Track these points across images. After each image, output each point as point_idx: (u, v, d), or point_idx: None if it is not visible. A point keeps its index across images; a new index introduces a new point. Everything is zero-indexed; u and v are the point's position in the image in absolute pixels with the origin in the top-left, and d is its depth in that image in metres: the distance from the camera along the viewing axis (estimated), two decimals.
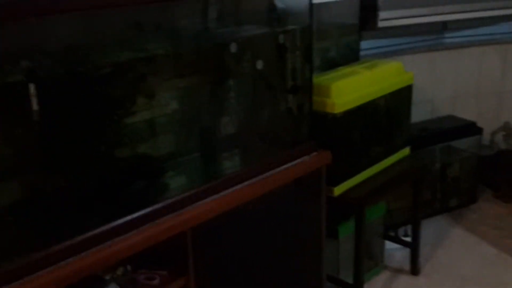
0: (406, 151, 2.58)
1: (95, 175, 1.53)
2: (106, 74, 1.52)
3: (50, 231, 1.43)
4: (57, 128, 1.42)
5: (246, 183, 1.81)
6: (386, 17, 2.81)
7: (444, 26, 3.22)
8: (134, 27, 1.63)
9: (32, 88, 1.28)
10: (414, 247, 2.66)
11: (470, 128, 3.21)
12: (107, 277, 1.62)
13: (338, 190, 2.19)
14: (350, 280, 2.35)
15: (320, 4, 2.30)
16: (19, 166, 1.39)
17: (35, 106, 1.29)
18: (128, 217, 1.53)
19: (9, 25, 1.26)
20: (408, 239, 2.73)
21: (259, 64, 1.87)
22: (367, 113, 2.27)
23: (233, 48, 1.78)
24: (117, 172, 1.60)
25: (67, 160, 1.47)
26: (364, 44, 2.71)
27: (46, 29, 1.37)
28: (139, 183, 1.66)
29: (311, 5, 1.93)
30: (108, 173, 1.58)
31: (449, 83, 3.29)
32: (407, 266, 2.71)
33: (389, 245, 2.80)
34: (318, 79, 2.16)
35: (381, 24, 2.77)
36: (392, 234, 2.86)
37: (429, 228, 3.04)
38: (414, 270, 2.68)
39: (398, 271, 2.72)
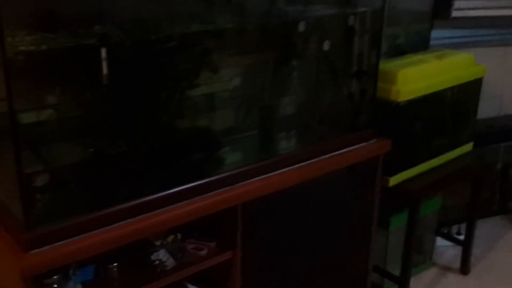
0: (468, 147, 2.49)
1: (155, 143, 1.56)
2: (173, 45, 1.54)
3: (108, 193, 1.48)
4: (123, 93, 1.45)
5: (300, 164, 1.80)
6: (461, 7, 2.70)
7: None
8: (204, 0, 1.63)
9: (103, 52, 1.31)
10: (466, 246, 2.59)
11: None
12: (158, 243, 1.66)
13: (393, 181, 2.15)
14: (397, 273, 2.32)
15: None
16: (84, 128, 1.44)
17: (105, 70, 1.33)
18: (183, 187, 1.55)
19: None
20: (461, 237, 2.65)
21: (326, 45, 1.84)
22: (432, 103, 2.20)
23: (301, 27, 1.76)
24: (176, 143, 1.63)
25: (129, 126, 1.50)
26: (435, 33, 2.62)
27: None
28: (196, 155, 1.68)
29: None
30: (168, 142, 1.60)
31: None
32: (457, 264, 2.64)
33: (440, 241, 2.74)
34: (385, 65, 2.10)
35: (454, 13, 2.67)
36: (445, 231, 2.79)
37: (484, 229, 2.94)
38: (464, 269, 2.61)
39: (447, 269, 2.66)
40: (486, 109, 2.95)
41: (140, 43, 1.48)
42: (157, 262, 1.58)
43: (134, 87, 1.48)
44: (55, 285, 1.43)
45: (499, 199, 3.10)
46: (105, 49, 1.31)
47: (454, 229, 2.86)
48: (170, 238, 1.68)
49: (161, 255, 1.60)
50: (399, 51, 2.39)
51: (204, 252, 1.67)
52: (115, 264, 1.55)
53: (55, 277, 1.43)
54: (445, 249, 2.78)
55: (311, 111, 1.97)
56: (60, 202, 1.45)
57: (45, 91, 1.38)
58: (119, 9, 1.44)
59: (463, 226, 2.67)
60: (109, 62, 1.35)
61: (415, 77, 2.11)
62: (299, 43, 1.82)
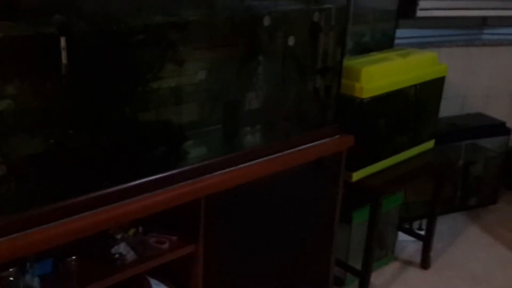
0: (430, 144, 2.54)
1: (117, 136, 1.54)
2: (137, 36, 1.52)
3: (69, 185, 1.45)
4: (84, 84, 1.43)
5: (265, 158, 1.81)
6: (426, 7, 2.74)
7: (484, 22, 3.14)
8: None
9: (63, 41, 1.29)
10: (427, 241, 2.64)
11: (499, 128, 3.15)
12: (118, 237, 1.64)
13: (356, 176, 2.17)
14: (358, 267, 2.35)
15: None
16: (44, 118, 1.41)
17: (64, 60, 1.30)
18: (145, 179, 1.54)
19: None
20: (422, 232, 2.70)
21: (291, 41, 1.85)
22: (395, 101, 2.23)
23: (266, 21, 1.76)
24: (139, 135, 1.61)
25: (91, 118, 1.48)
26: (400, 33, 2.66)
27: None
28: (160, 148, 1.67)
29: None
30: (131, 135, 1.59)
31: (483, 80, 3.22)
32: (417, 259, 2.70)
33: (402, 236, 2.79)
34: (349, 62, 2.13)
35: (419, 13, 2.71)
36: (407, 226, 2.84)
37: (445, 224, 3.01)
38: (425, 264, 2.67)
39: (408, 263, 2.71)
40: (448, 108, 3.02)
41: (103, 33, 1.46)
42: (117, 255, 1.57)
43: (95, 78, 1.46)
44: (12, 278, 1.40)
45: (461, 196, 3.17)
46: (65, 38, 1.29)
47: (416, 224, 2.92)
48: (131, 231, 1.67)
49: (122, 248, 1.59)
50: (364, 49, 2.41)
51: (166, 246, 1.66)
52: (73, 257, 1.53)
53: (11, 269, 1.40)
54: (407, 244, 2.83)
55: (276, 106, 1.98)
56: (17, 194, 1.43)
57: (2, 81, 1.35)
58: None
59: (424, 222, 2.72)
60: (70, 52, 1.33)
61: (378, 75, 2.13)
62: (264, 38, 1.82)
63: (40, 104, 1.43)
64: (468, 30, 3.09)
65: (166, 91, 1.68)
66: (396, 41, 2.62)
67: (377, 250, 2.56)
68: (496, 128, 3.14)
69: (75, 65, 1.37)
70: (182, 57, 1.67)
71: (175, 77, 1.68)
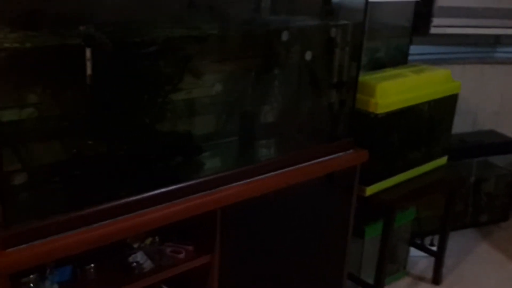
0: (443, 160, 2.55)
1: (136, 146, 1.57)
2: (156, 49, 1.55)
3: (87, 194, 1.48)
4: (106, 95, 1.46)
5: (280, 171, 1.82)
6: (439, 24, 2.76)
7: (497, 40, 3.15)
8: (189, 5, 1.66)
9: (88, 52, 1.32)
10: (438, 257, 2.64)
11: (510, 146, 3.15)
12: (135, 245, 1.66)
13: (370, 190, 2.18)
14: (371, 281, 2.35)
15: (374, 3, 2.28)
16: (65, 127, 1.44)
17: (89, 70, 1.33)
18: (162, 190, 1.56)
19: None
20: (434, 248, 2.70)
21: (308, 55, 1.87)
22: (409, 117, 2.25)
23: (284, 36, 1.79)
24: (158, 146, 1.64)
25: (111, 127, 1.51)
26: (413, 49, 2.68)
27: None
28: (177, 159, 1.69)
29: (366, 2, 1.92)
30: (149, 145, 1.61)
31: (495, 98, 3.23)
32: (429, 275, 2.69)
33: (413, 252, 2.78)
34: (364, 77, 2.15)
35: (433, 30, 2.73)
36: (418, 241, 2.84)
37: (456, 241, 3.00)
38: (436, 279, 2.66)
39: (420, 278, 2.70)
40: (460, 124, 3.02)
41: (123, 45, 1.49)
42: (134, 264, 1.59)
43: (116, 89, 1.49)
44: (32, 284, 1.42)
45: (472, 213, 3.17)
46: (90, 49, 1.32)
47: (427, 240, 2.91)
48: (148, 240, 1.69)
49: (139, 257, 1.61)
50: (378, 65, 2.43)
51: (182, 256, 1.67)
52: (92, 265, 1.55)
53: (31, 276, 1.43)
54: (419, 259, 2.82)
55: (291, 119, 2.00)
56: (38, 201, 1.45)
57: (26, 89, 1.38)
58: (103, 11, 1.45)
59: (436, 238, 2.72)
60: (92, 63, 1.36)
61: (393, 91, 2.15)
62: (281, 52, 1.85)
63: (61, 113, 1.46)
64: (481, 48, 3.11)
65: (184, 102, 1.71)
66: (410, 57, 2.64)
67: (389, 264, 2.56)
68: (507, 145, 3.14)
69: (98, 76, 1.40)
70: (200, 69, 1.70)
71: (193, 89, 1.71)
